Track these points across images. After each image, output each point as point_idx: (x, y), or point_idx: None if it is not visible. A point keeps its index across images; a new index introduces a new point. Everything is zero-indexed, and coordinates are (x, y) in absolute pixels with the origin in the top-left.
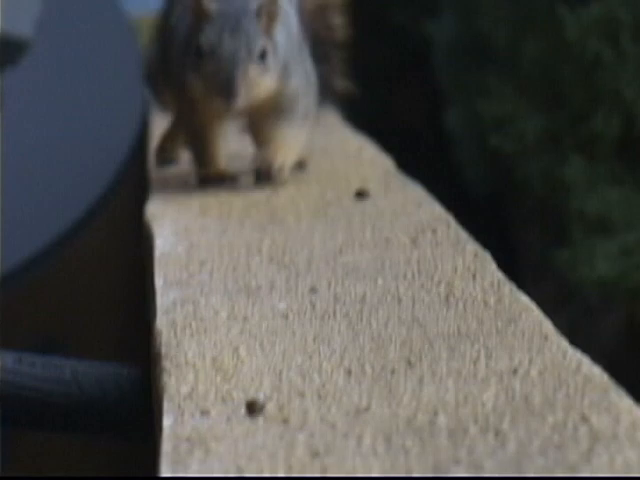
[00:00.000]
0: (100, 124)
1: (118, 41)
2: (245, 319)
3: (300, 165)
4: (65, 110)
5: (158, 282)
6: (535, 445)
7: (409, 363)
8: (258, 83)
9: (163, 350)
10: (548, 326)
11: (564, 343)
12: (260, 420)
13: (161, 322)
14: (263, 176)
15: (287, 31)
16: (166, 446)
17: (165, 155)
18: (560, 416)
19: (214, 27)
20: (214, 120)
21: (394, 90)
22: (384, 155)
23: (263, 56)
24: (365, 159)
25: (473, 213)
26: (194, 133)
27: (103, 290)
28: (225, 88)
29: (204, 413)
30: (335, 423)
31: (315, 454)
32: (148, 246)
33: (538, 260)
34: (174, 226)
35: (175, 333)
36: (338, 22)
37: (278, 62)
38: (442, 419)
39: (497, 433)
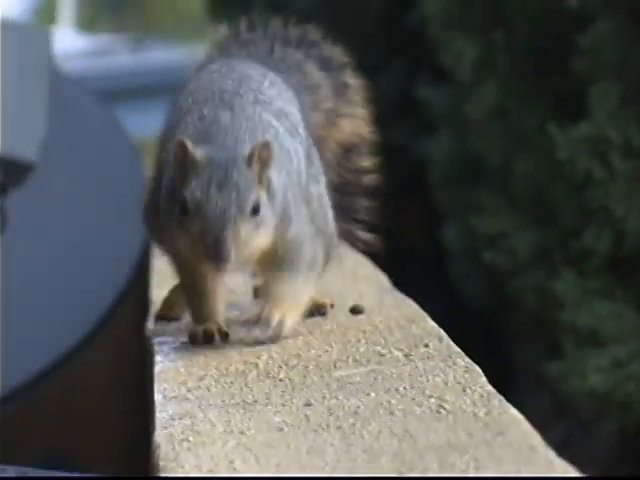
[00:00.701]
0: (103, 245)
1: (122, 162)
2: (241, 432)
3: (319, 311)
4: (69, 230)
5: (157, 397)
6: None
7: (400, 474)
8: (251, 241)
9: (161, 463)
10: (536, 438)
11: (552, 454)
12: None
13: (159, 436)
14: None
15: (286, 170)
16: None
17: (165, 313)
18: None
19: (200, 179)
20: (207, 276)
21: (392, 207)
22: (379, 272)
23: (256, 210)
24: (361, 276)
25: (468, 326)
26: (188, 286)
27: (105, 404)
28: (214, 251)
29: None
30: None
31: None
32: (148, 362)
33: (532, 372)
34: (174, 342)
35: (173, 446)
36: (366, 165)
37: (275, 210)
38: None
39: None
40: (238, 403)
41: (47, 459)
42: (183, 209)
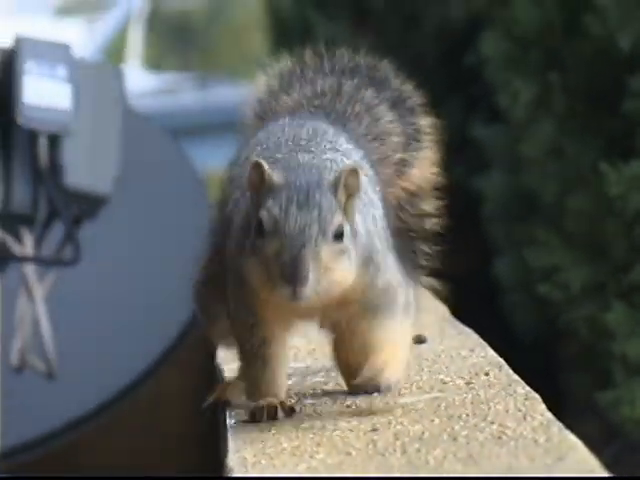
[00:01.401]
0: (170, 277)
1: (189, 194)
2: (311, 456)
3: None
4: (138, 261)
5: (230, 422)
6: None
7: None
8: (333, 268)
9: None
10: (594, 463)
11: (607, 476)
12: None
13: (232, 460)
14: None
15: (372, 216)
16: None
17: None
18: None
19: (279, 199)
20: (276, 327)
21: (449, 244)
22: (439, 303)
23: (339, 236)
24: (422, 307)
25: (522, 358)
26: (249, 351)
27: (172, 431)
28: (291, 271)
29: None
30: None
31: None
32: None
33: (583, 401)
34: None
35: (246, 469)
36: (430, 209)
37: (358, 249)
38: None
39: None
40: (307, 428)
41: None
42: (259, 231)
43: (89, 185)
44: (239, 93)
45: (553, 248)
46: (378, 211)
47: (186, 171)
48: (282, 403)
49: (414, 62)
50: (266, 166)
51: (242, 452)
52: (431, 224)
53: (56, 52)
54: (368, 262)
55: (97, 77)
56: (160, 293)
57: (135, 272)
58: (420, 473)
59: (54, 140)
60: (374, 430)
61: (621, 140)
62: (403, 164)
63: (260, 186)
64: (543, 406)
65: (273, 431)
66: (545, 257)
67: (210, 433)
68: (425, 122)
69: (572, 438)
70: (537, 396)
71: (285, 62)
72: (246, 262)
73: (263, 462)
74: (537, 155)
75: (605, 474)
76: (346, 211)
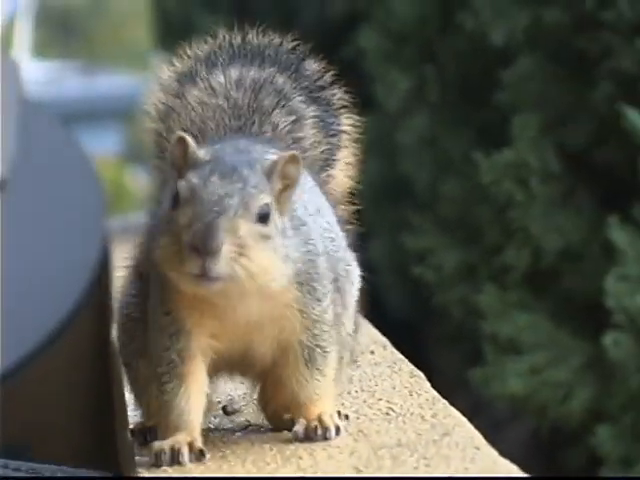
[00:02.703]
0: (64, 254)
1: (81, 178)
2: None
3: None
4: (33, 241)
5: (128, 396)
6: None
7: (357, 470)
8: (254, 250)
9: (137, 458)
10: (480, 438)
11: (494, 453)
12: None
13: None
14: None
15: (320, 228)
16: None
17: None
18: None
19: (201, 171)
20: (197, 342)
21: None
22: None
23: (265, 218)
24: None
25: (393, 336)
26: (164, 372)
27: (65, 404)
28: (200, 241)
29: None
30: None
31: None
32: (114, 364)
33: (452, 378)
34: None
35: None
36: (344, 216)
37: (296, 255)
38: None
39: None
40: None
41: (8, 451)
42: (173, 203)
43: None
44: (121, 81)
45: (427, 232)
46: (327, 218)
47: (77, 156)
48: (191, 444)
49: None
50: (190, 140)
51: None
52: (346, 231)
53: None
54: (306, 282)
55: None
56: (54, 270)
57: (33, 245)
58: (313, 448)
59: None
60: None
61: (492, 130)
62: (324, 166)
63: (183, 162)
64: (428, 384)
65: None
66: (419, 240)
67: (97, 408)
68: (348, 128)
69: (457, 414)
70: (421, 374)
71: (188, 55)
72: (158, 240)
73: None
74: (412, 144)
75: (490, 449)
76: (279, 202)
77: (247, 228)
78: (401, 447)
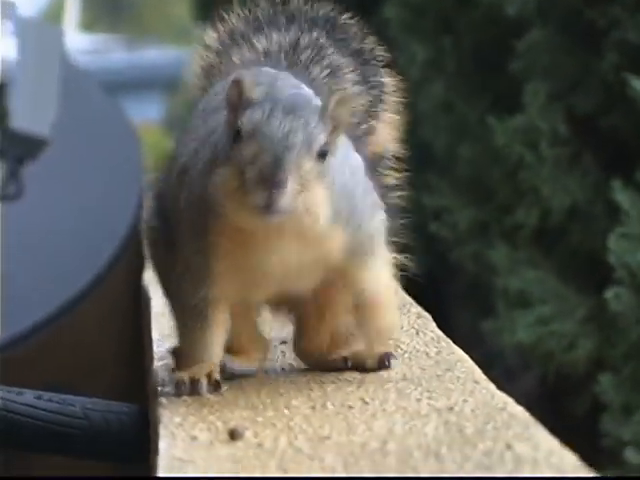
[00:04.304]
0: (104, 210)
1: (122, 140)
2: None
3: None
4: (74, 198)
5: (154, 335)
6: (468, 467)
7: (364, 402)
8: (314, 188)
9: (159, 388)
10: (479, 373)
11: (492, 387)
12: (240, 444)
13: (157, 366)
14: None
15: (351, 169)
16: (162, 463)
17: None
18: (489, 444)
19: (261, 107)
20: (229, 286)
21: None
22: None
23: (324, 156)
24: None
25: (411, 290)
26: (190, 309)
27: (105, 345)
28: (270, 174)
29: (193, 438)
30: (302, 448)
31: (284, 471)
32: (145, 306)
33: (468, 330)
34: None
35: (169, 375)
36: (392, 182)
37: (336, 193)
38: (391, 446)
39: (437, 457)
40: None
41: (54, 389)
42: (235, 140)
43: (30, 129)
44: (165, 54)
45: (443, 192)
46: (360, 169)
47: (119, 120)
48: (209, 375)
49: None
50: (247, 81)
51: (166, 360)
52: (393, 198)
53: (4, 10)
54: (343, 217)
55: (40, 33)
56: (92, 224)
57: (71, 206)
58: (323, 380)
59: (1, 88)
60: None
61: (506, 97)
62: (365, 117)
63: (239, 103)
64: (433, 324)
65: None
66: (436, 200)
67: (133, 347)
68: (389, 81)
69: (459, 351)
70: (428, 315)
71: (235, 17)
72: (214, 175)
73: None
74: (430, 110)
75: (488, 383)
76: (330, 142)
77: (310, 165)
78: (406, 381)
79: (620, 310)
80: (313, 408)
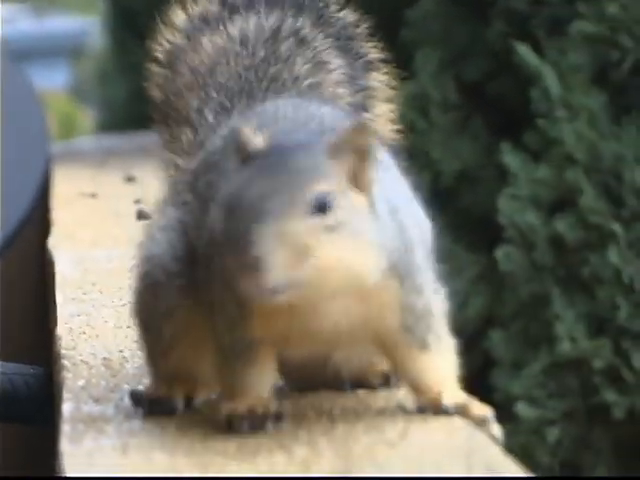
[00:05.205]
0: (10, 175)
1: (26, 108)
2: (128, 327)
3: None
4: None
5: (59, 298)
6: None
7: None
8: (322, 250)
9: (63, 352)
10: None
11: None
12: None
13: (61, 329)
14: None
15: (406, 198)
16: (66, 427)
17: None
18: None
19: (245, 172)
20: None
21: None
22: None
23: (323, 207)
24: None
25: None
26: (228, 347)
27: (8, 309)
28: (242, 257)
29: (96, 401)
30: None
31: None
32: (50, 270)
33: None
34: (71, 254)
35: (72, 338)
36: None
37: (386, 242)
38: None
39: None
40: (125, 304)
41: None
42: (223, 215)
43: None
44: (70, 22)
45: None
46: (407, 192)
47: (24, 87)
48: (267, 408)
49: None
50: (246, 132)
51: (69, 323)
52: None
53: None
54: (401, 272)
55: None
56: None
57: None
58: None
59: None
60: None
61: (398, 64)
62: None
63: (238, 159)
64: None
65: (97, 306)
66: None
67: (38, 310)
68: (377, 84)
69: None
70: None
71: None
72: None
73: (87, 332)
74: None
75: None
76: (356, 179)
77: (300, 225)
78: None
79: (510, 269)
80: None
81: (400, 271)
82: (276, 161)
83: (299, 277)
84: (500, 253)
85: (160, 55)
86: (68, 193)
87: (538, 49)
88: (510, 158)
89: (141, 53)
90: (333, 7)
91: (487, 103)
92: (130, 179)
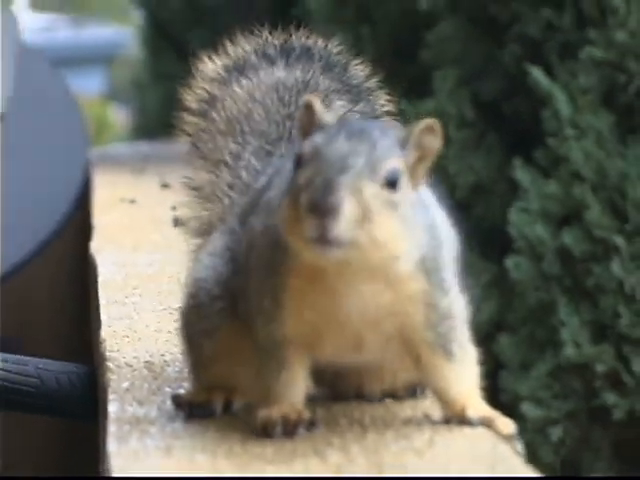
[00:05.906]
0: (52, 178)
1: (67, 113)
2: (169, 332)
3: None
4: (24, 170)
5: (102, 301)
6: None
7: None
8: (378, 219)
9: (107, 354)
10: None
11: None
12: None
13: (105, 332)
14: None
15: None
16: (112, 428)
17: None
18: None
19: (326, 131)
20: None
21: None
22: None
23: (393, 184)
24: None
25: None
26: (263, 347)
27: (51, 310)
28: (319, 199)
29: (140, 403)
30: None
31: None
32: (93, 273)
33: None
34: (113, 258)
35: (116, 341)
36: None
37: (421, 233)
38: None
39: None
40: (165, 309)
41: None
42: (295, 165)
43: None
44: (106, 32)
45: None
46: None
47: (65, 94)
48: (300, 415)
49: (243, 20)
50: (318, 104)
51: (113, 326)
52: None
53: None
54: (428, 267)
55: None
56: (40, 193)
57: (18, 177)
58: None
59: None
60: None
61: (418, 83)
62: None
63: (309, 128)
64: None
65: (138, 310)
66: None
67: (81, 312)
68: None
69: None
70: None
71: (242, 45)
72: (279, 207)
73: (130, 335)
74: None
75: None
76: (413, 175)
77: (373, 191)
78: None
79: (519, 278)
80: None
81: (428, 265)
82: (356, 129)
83: (358, 238)
84: (510, 262)
85: (193, 105)
86: (108, 198)
87: (550, 72)
88: (521, 174)
89: (174, 62)
90: (352, 63)
91: (501, 121)
92: (165, 185)
